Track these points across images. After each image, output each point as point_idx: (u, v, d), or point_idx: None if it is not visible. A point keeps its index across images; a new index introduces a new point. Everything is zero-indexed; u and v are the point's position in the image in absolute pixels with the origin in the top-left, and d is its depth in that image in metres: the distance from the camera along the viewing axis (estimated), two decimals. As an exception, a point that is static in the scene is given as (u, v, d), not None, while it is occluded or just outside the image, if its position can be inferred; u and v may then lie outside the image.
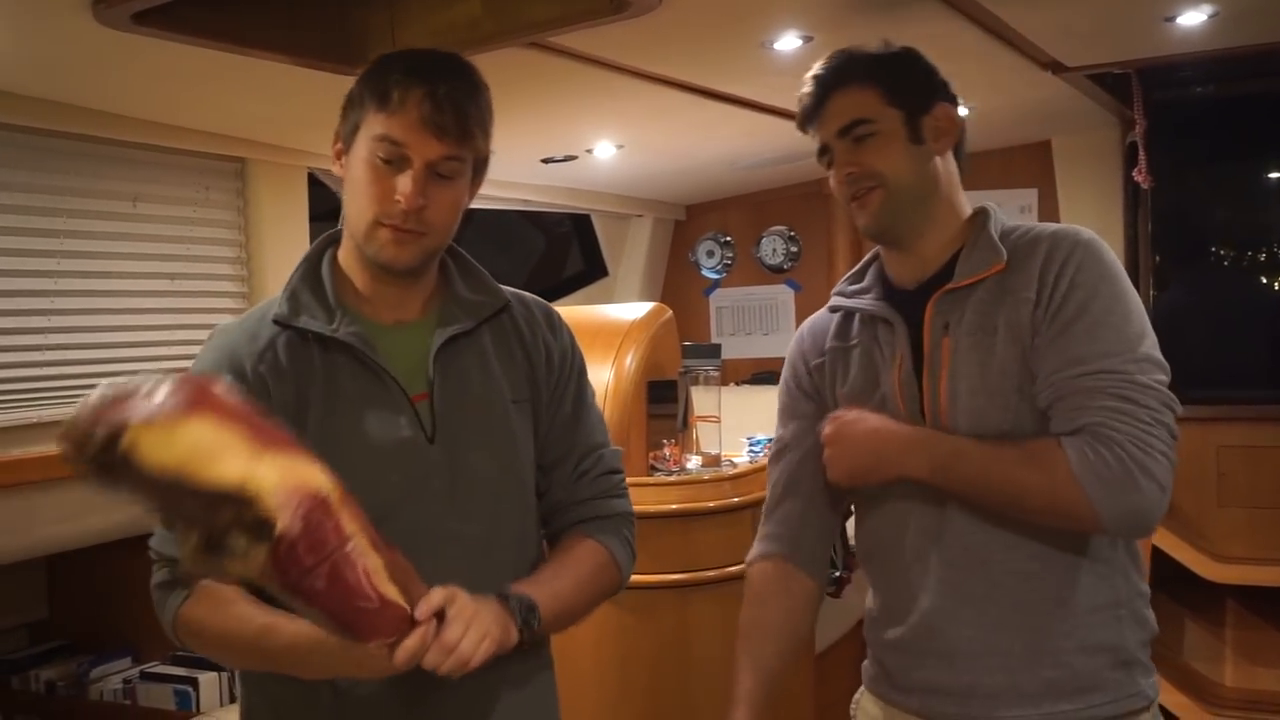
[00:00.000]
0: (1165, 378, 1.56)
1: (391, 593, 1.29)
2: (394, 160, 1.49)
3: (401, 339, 1.57)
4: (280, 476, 1.19)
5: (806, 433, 1.85)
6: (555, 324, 1.72)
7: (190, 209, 3.10)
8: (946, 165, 1.73)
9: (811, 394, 1.86)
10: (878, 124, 1.68)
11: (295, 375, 1.50)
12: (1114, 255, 1.66)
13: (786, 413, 1.91)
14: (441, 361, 1.56)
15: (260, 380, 1.50)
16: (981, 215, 1.74)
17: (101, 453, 1.13)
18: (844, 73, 1.72)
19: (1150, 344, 1.59)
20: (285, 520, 1.18)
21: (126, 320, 2.94)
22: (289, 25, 2.28)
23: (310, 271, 1.58)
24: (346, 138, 1.55)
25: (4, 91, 2.47)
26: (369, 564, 1.28)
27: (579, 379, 1.72)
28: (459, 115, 1.50)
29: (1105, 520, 1.52)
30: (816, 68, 1.77)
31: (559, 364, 1.69)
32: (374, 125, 1.49)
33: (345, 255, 1.60)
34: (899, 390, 1.70)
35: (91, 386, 2.87)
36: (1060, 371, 1.56)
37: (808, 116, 1.75)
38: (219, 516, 1.15)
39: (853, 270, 1.87)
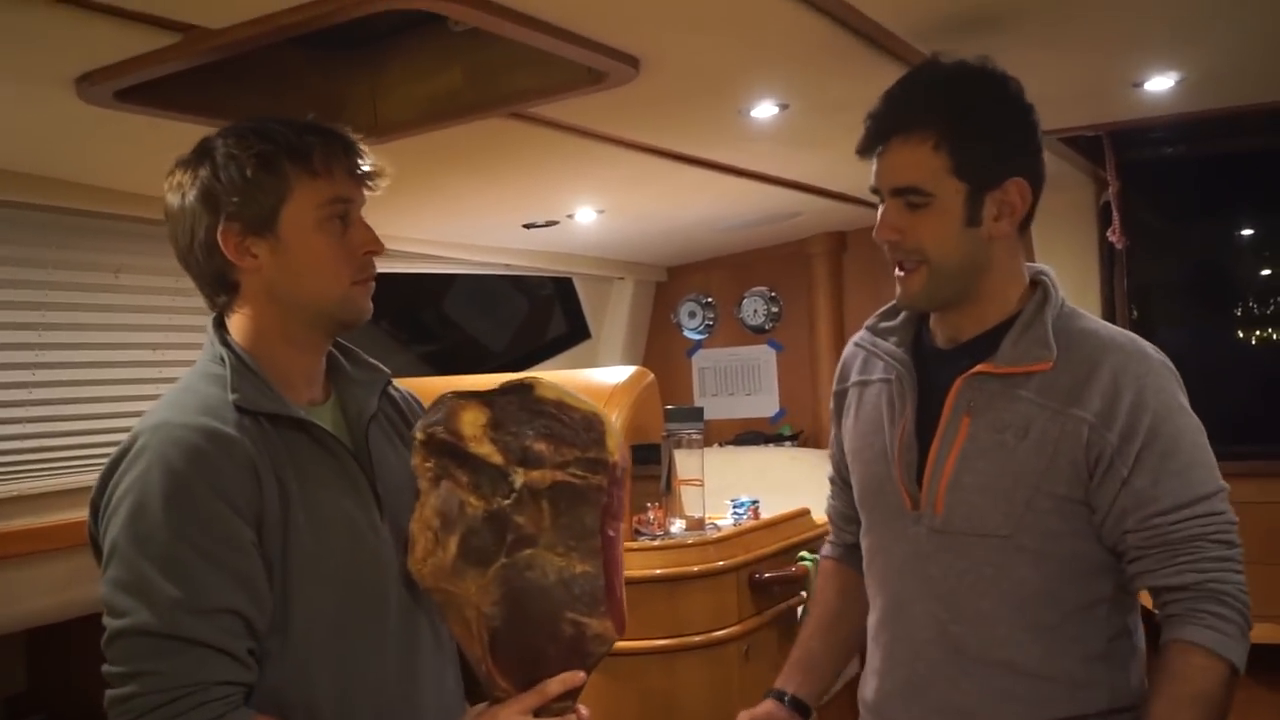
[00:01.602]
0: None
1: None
2: (339, 218, 1.47)
3: (324, 419, 1.52)
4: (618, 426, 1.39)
5: (837, 461, 1.87)
6: (422, 405, 1.67)
7: (173, 279, 3.10)
8: (1006, 241, 1.59)
9: (836, 419, 1.87)
10: (935, 199, 1.53)
11: (270, 460, 1.42)
12: (1174, 370, 1.59)
13: (832, 428, 1.91)
14: (368, 439, 1.56)
15: (268, 473, 1.41)
16: (1040, 292, 1.61)
17: (513, 388, 1.43)
18: (917, 114, 1.54)
19: (1217, 470, 1.56)
20: (620, 458, 1.41)
21: (109, 391, 2.94)
22: (270, 95, 2.30)
23: (236, 357, 1.47)
24: (262, 222, 1.44)
25: (-13, 167, 2.49)
26: (622, 555, 1.46)
27: None
28: (369, 159, 1.52)
29: (1240, 666, 1.50)
30: (891, 90, 1.60)
31: None
32: (315, 193, 1.45)
33: (255, 339, 1.49)
34: (899, 454, 1.65)
35: (73, 459, 2.88)
36: (1164, 516, 1.50)
37: (868, 146, 1.59)
38: (580, 437, 1.40)
39: (890, 305, 1.76)
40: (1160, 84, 2.73)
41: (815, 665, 1.86)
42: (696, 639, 2.95)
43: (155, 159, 2.58)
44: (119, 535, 1.35)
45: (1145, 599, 1.62)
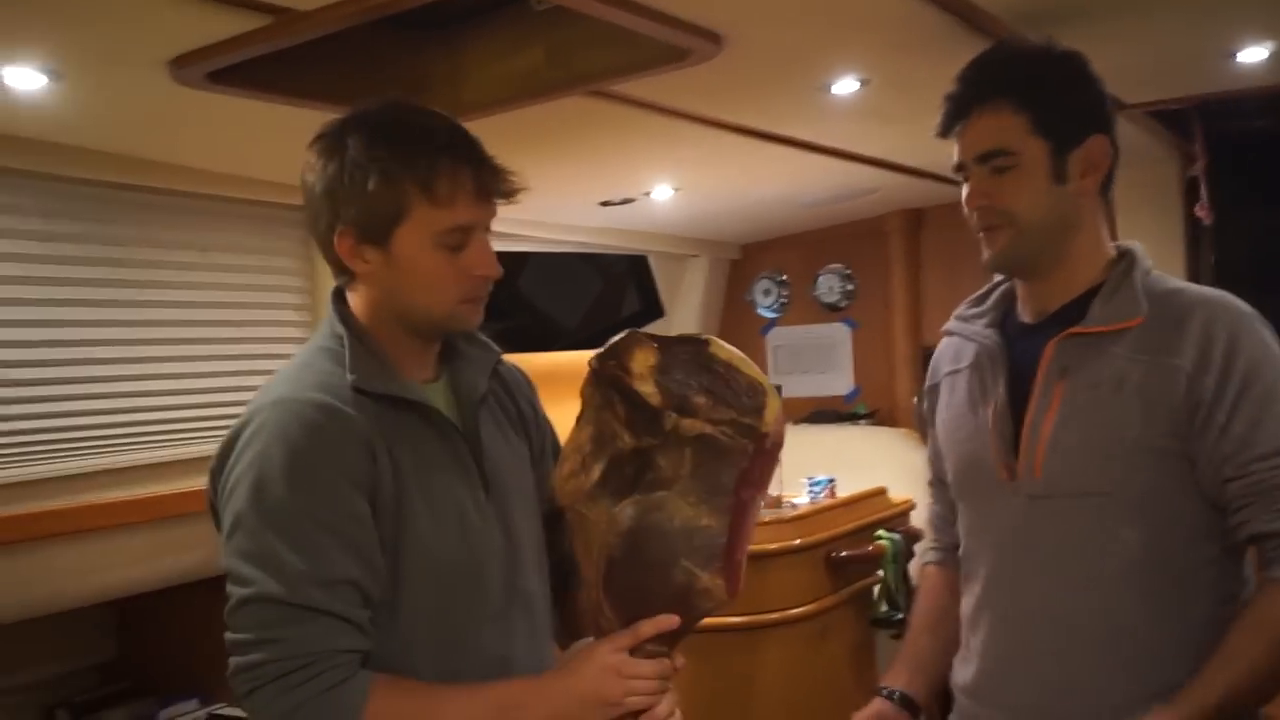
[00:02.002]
0: None
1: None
2: (460, 244, 1.47)
3: (436, 399, 1.55)
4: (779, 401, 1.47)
5: (934, 457, 1.87)
6: (530, 383, 1.73)
7: (257, 257, 3.16)
8: (1090, 201, 1.63)
9: (928, 419, 1.87)
10: (1020, 156, 1.57)
11: (384, 439, 1.45)
12: (1266, 322, 1.60)
13: (928, 436, 1.92)
14: (478, 420, 1.58)
15: (383, 453, 1.44)
16: (1127, 257, 1.64)
17: (689, 339, 1.47)
18: (994, 85, 1.60)
19: None
20: (775, 431, 1.44)
21: (196, 368, 3.00)
22: (355, 77, 2.33)
23: (355, 336, 1.51)
24: (378, 231, 1.45)
25: (80, 148, 2.55)
26: (753, 525, 1.50)
27: (553, 434, 1.74)
28: (502, 176, 1.51)
29: None
30: (966, 69, 1.65)
31: (543, 421, 1.71)
32: (433, 220, 1.44)
33: (373, 318, 1.52)
34: (993, 427, 1.65)
35: (159, 434, 2.95)
36: (1263, 460, 1.50)
37: (948, 125, 1.64)
38: (741, 401, 1.43)
39: (979, 291, 1.81)
40: (1254, 54, 2.66)
41: (924, 662, 1.85)
42: (774, 617, 2.96)
43: (244, 139, 2.66)
44: (244, 508, 1.39)
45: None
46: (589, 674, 1.42)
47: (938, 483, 1.90)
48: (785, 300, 5.31)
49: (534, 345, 4.95)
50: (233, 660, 1.37)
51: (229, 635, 1.38)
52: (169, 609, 3.25)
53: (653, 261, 5.07)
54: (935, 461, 1.89)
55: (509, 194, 1.52)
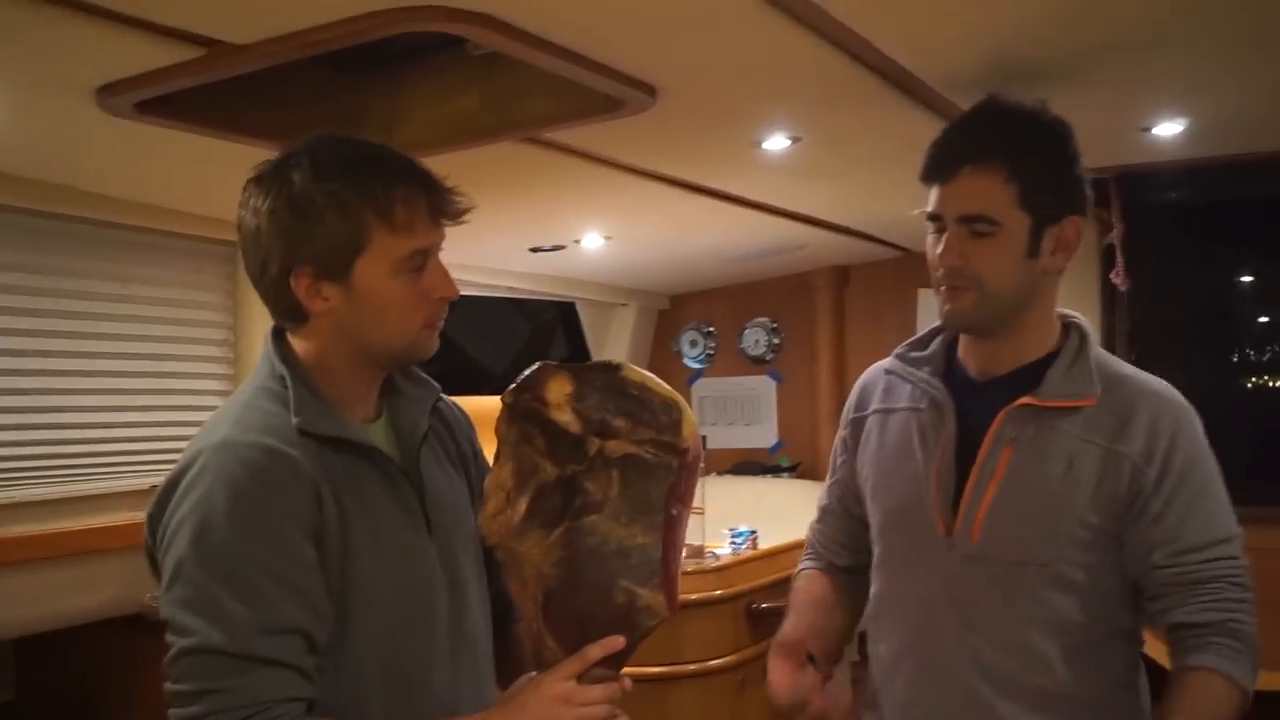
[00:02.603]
0: None
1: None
2: (419, 268, 1.45)
3: (377, 439, 1.52)
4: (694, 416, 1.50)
5: (841, 490, 1.87)
6: (470, 421, 1.70)
7: (180, 290, 3.12)
8: (1053, 278, 1.64)
9: (849, 449, 1.87)
10: (1002, 227, 1.57)
11: (330, 482, 1.41)
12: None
13: (831, 464, 1.92)
14: (419, 460, 1.56)
15: (329, 497, 1.40)
16: (1078, 334, 1.67)
17: (601, 366, 1.48)
18: (990, 148, 1.59)
19: (1233, 513, 1.64)
20: (694, 445, 1.46)
21: (113, 400, 2.94)
22: (289, 113, 2.32)
23: (298, 378, 1.46)
24: (335, 267, 1.41)
25: (1, 173, 2.50)
26: (683, 539, 1.51)
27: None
28: (453, 198, 1.50)
29: (1250, 694, 1.56)
30: (964, 120, 1.66)
31: (481, 460, 1.69)
32: (393, 248, 1.41)
33: (315, 358, 1.48)
34: (935, 480, 1.66)
35: (74, 468, 2.87)
36: (1190, 554, 1.57)
37: (933, 176, 1.62)
38: (658, 419, 1.45)
39: (919, 335, 1.81)
40: (1168, 129, 2.76)
41: (820, 632, 1.79)
42: (693, 667, 2.96)
43: (170, 171, 2.62)
44: (185, 554, 1.33)
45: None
46: (537, 705, 1.40)
47: (838, 510, 1.89)
48: (712, 351, 5.34)
49: (461, 389, 4.92)
50: (172, 712, 1.32)
51: (168, 685, 1.33)
52: (73, 648, 3.16)
53: (581, 309, 5.09)
54: (843, 490, 1.88)
55: (458, 214, 1.51)
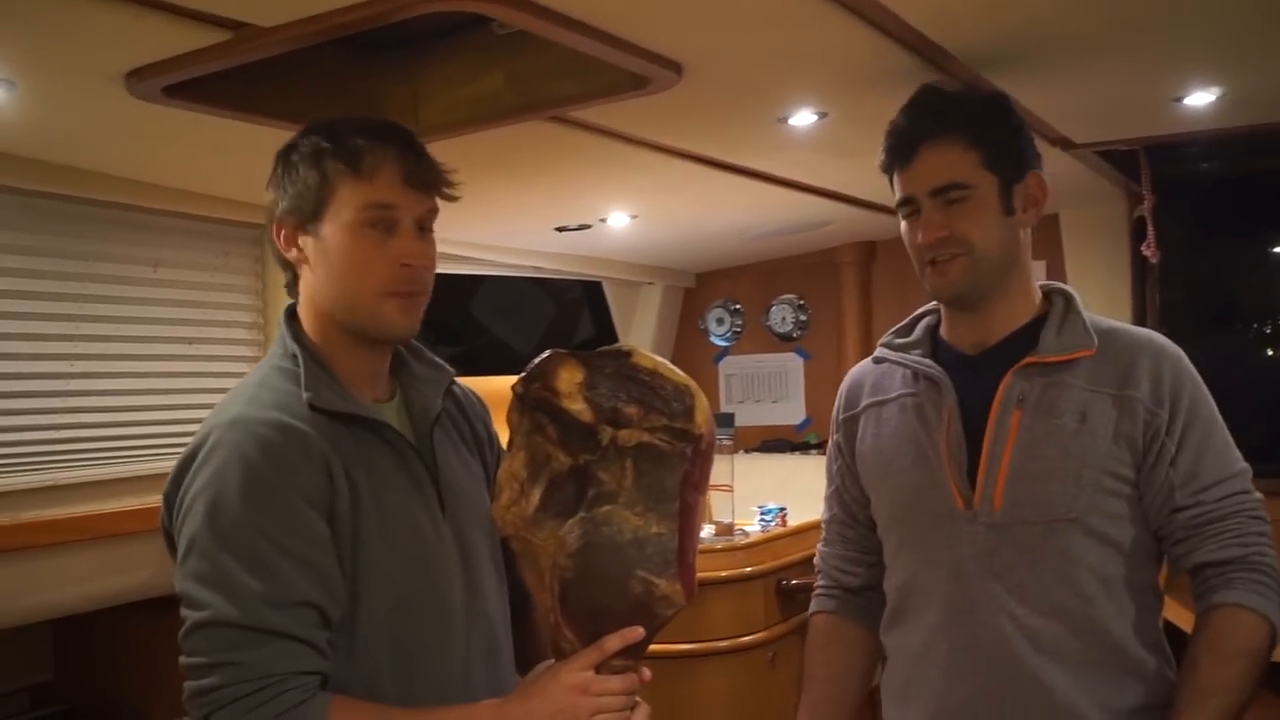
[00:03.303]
0: None
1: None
2: (383, 225, 1.46)
3: (390, 418, 1.54)
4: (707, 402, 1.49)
5: (842, 498, 1.87)
6: (485, 405, 1.72)
7: (209, 274, 3.13)
8: (1026, 235, 1.70)
9: (844, 452, 1.86)
10: (974, 190, 1.62)
11: (341, 458, 1.44)
12: None
13: (828, 474, 1.93)
14: (432, 440, 1.57)
15: (340, 472, 1.42)
16: (1065, 295, 1.71)
17: (611, 352, 1.48)
18: (941, 122, 1.65)
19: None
20: (707, 431, 1.45)
21: (144, 384, 2.96)
22: (313, 95, 2.32)
23: (310, 355, 1.50)
24: (304, 218, 1.48)
25: (31, 159, 2.51)
26: (699, 526, 1.52)
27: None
28: (434, 165, 1.51)
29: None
30: (910, 107, 1.70)
31: (497, 444, 1.70)
32: (355, 195, 1.45)
33: (319, 335, 1.52)
34: (947, 452, 1.66)
35: (106, 451, 2.90)
36: (1208, 490, 1.59)
37: (895, 162, 1.68)
38: (670, 406, 1.44)
39: (901, 324, 1.84)
40: (1201, 99, 2.72)
41: (842, 713, 1.84)
42: (723, 644, 2.97)
43: (197, 155, 2.63)
44: (198, 529, 1.36)
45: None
46: (554, 694, 1.41)
47: (844, 518, 1.89)
48: (738, 329, 5.33)
49: (486, 369, 4.94)
50: (188, 685, 1.35)
51: (184, 659, 1.36)
52: (108, 630, 3.19)
53: (607, 288, 5.08)
54: (839, 500, 1.88)
55: (438, 185, 1.51)
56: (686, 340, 5.40)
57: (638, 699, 1.48)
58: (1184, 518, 1.60)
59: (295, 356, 1.48)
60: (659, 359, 1.48)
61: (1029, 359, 1.64)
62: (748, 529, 3.41)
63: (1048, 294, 1.73)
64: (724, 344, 5.37)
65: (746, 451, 5.08)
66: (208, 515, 1.36)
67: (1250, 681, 1.54)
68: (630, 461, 1.44)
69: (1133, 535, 1.63)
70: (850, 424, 1.84)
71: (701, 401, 1.47)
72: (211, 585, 1.34)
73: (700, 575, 2.98)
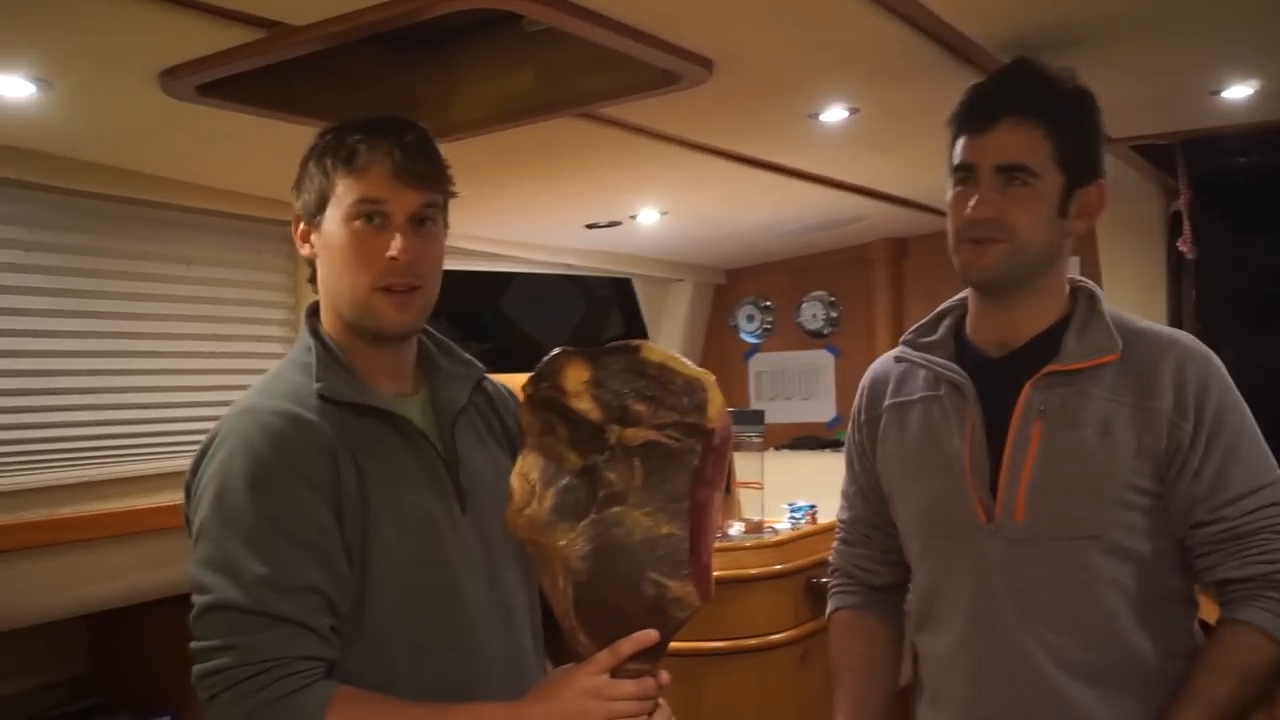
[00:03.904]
0: None
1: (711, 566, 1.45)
2: (374, 218, 1.47)
3: (410, 411, 1.55)
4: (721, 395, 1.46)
5: (866, 498, 1.85)
6: (518, 400, 1.72)
7: (243, 271, 3.16)
8: (1072, 242, 1.65)
9: (867, 451, 1.84)
10: (1040, 180, 1.57)
11: (351, 448, 1.45)
12: None
13: (849, 472, 1.90)
14: (454, 434, 1.57)
15: (346, 460, 1.44)
16: (1088, 294, 1.66)
17: (619, 348, 1.46)
18: (1028, 103, 1.59)
19: (1272, 456, 1.61)
20: (721, 425, 1.42)
21: (179, 381, 2.99)
22: (345, 93, 2.33)
23: (324, 347, 1.53)
24: (311, 214, 1.52)
25: (66, 157, 2.54)
26: (715, 524, 1.48)
27: None
28: (429, 159, 1.51)
29: None
30: (1003, 74, 1.65)
31: None
32: (346, 190, 1.48)
33: (336, 329, 1.55)
34: (969, 462, 1.63)
35: (141, 447, 2.93)
36: (1231, 505, 1.54)
37: (969, 125, 1.62)
38: (681, 401, 1.42)
39: (924, 320, 1.79)
40: (1238, 92, 2.69)
41: (876, 710, 1.81)
42: (754, 642, 2.96)
43: (230, 153, 2.65)
44: (206, 516, 1.40)
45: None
46: (568, 698, 1.40)
47: (865, 523, 1.85)
48: (769, 326, 5.31)
49: (518, 366, 4.95)
50: (195, 667, 1.38)
51: (193, 644, 1.38)
52: (143, 624, 3.22)
53: (637, 285, 5.08)
54: (863, 499, 1.85)
55: (431, 179, 1.52)
56: (717, 337, 5.39)
57: (659, 700, 1.46)
58: (1205, 533, 1.56)
59: (310, 349, 1.51)
60: (669, 353, 1.46)
61: (1050, 368, 1.59)
62: (778, 526, 3.40)
63: (1073, 290, 1.68)
64: (754, 341, 5.35)
65: (777, 449, 5.07)
66: (215, 502, 1.39)
67: (1240, 698, 1.52)
68: (638, 461, 1.41)
69: (1158, 548, 1.59)
70: (873, 425, 1.81)
71: (715, 395, 1.44)
72: (217, 569, 1.36)
73: (730, 573, 2.99)
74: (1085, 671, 1.57)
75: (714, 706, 2.96)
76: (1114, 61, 2.34)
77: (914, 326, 1.80)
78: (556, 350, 1.46)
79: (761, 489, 3.32)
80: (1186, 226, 3.68)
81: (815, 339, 5.22)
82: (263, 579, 1.34)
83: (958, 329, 1.74)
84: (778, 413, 5.11)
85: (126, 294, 2.85)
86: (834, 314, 5.18)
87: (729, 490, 3.24)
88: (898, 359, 1.79)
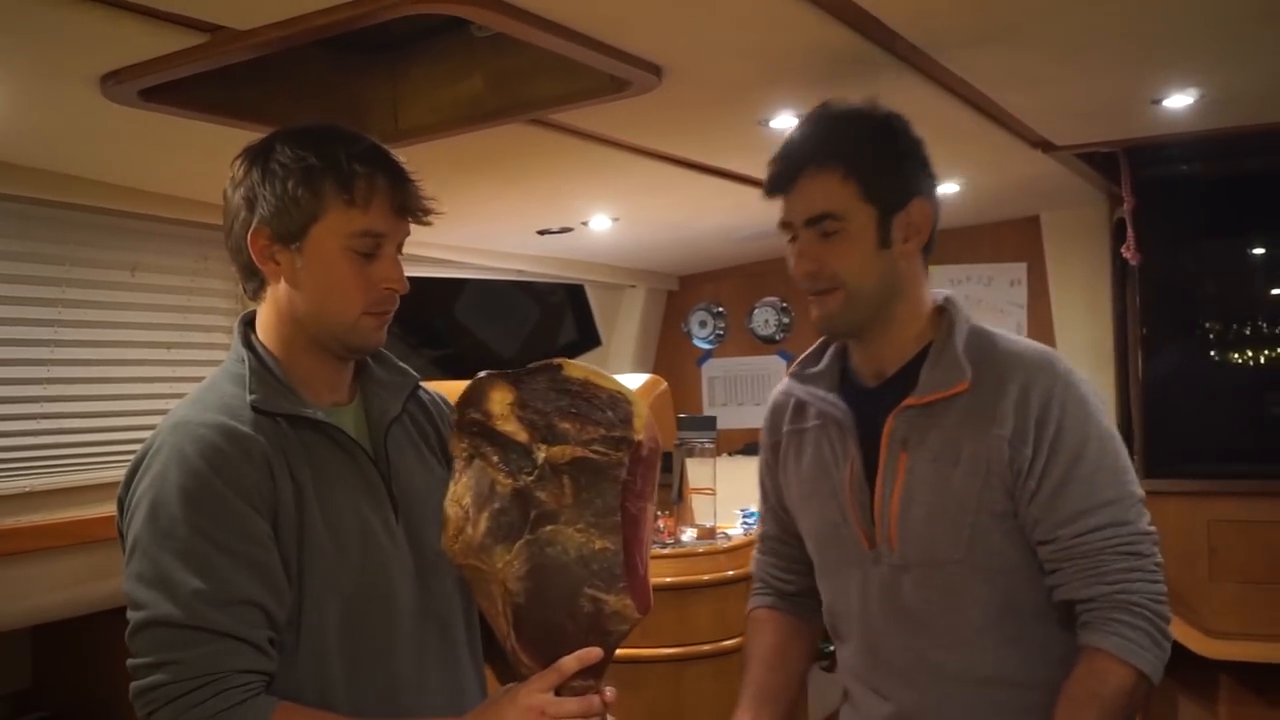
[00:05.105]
0: (1146, 511, 1.60)
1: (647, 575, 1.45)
2: (367, 250, 1.48)
3: (344, 421, 1.54)
4: (645, 407, 1.45)
5: (775, 515, 1.88)
6: (450, 405, 1.72)
7: (188, 278, 3.12)
8: (913, 263, 1.67)
9: (775, 472, 1.87)
10: (848, 222, 1.60)
11: (285, 459, 1.44)
12: (1085, 379, 1.65)
13: (760, 490, 1.93)
14: (387, 442, 1.57)
15: (281, 471, 1.43)
16: (946, 317, 1.68)
17: (542, 368, 1.46)
18: (822, 150, 1.62)
19: (1134, 477, 1.62)
20: (648, 438, 1.42)
21: (123, 389, 2.94)
22: (292, 98, 2.31)
23: (257, 358, 1.50)
24: (289, 233, 1.46)
25: (6, 163, 2.50)
26: (649, 535, 1.47)
27: None
28: (419, 196, 1.52)
29: (1154, 678, 1.55)
30: (793, 133, 1.68)
31: None
32: (346, 221, 1.45)
33: (278, 341, 1.52)
34: (850, 494, 1.69)
35: (85, 456, 2.88)
36: (1066, 526, 1.56)
37: (775, 187, 1.66)
38: (606, 416, 1.42)
39: (810, 350, 1.82)
40: (1179, 101, 2.73)
41: (770, 697, 1.84)
42: (707, 648, 2.96)
43: (175, 158, 2.62)
44: (140, 531, 1.38)
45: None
46: (511, 717, 1.39)
47: (777, 537, 1.91)
48: (721, 332, 5.33)
49: (472, 372, 4.92)
50: (133, 684, 1.35)
51: (129, 660, 1.36)
52: (88, 635, 3.17)
53: (590, 291, 5.08)
54: (773, 516, 1.90)
55: (424, 214, 1.52)
56: (670, 343, 5.40)
57: (606, 717, 1.45)
58: (1046, 552, 1.59)
59: (243, 359, 1.49)
60: (591, 368, 1.46)
61: (907, 401, 1.63)
62: (730, 532, 3.41)
63: (941, 308, 1.70)
64: (707, 347, 5.37)
65: (730, 454, 5.08)
66: (149, 516, 1.37)
67: None
68: (567, 478, 1.41)
69: (1022, 561, 1.62)
70: (775, 449, 1.86)
71: (639, 408, 1.44)
72: (152, 584, 1.34)
73: (682, 579, 2.99)
74: (966, 685, 1.63)
75: (667, 714, 2.96)
76: (1056, 72, 2.38)
77: (801, 357, 1.84)
78: (480, 375, 1.46)
79: (714, 495, 3.32)
80: (1130, 233, 3.73)
81: (768, 345, 5.24)
82: (198, 593, 1.32)
83: (844, 355, 1.77)
84: (730, 418, 5.12)
85: (69, 301, 2.81)
86: (786, 320, 5.20)
87: (680, 497, 3.24)
88: (786, 392, 1.83)
